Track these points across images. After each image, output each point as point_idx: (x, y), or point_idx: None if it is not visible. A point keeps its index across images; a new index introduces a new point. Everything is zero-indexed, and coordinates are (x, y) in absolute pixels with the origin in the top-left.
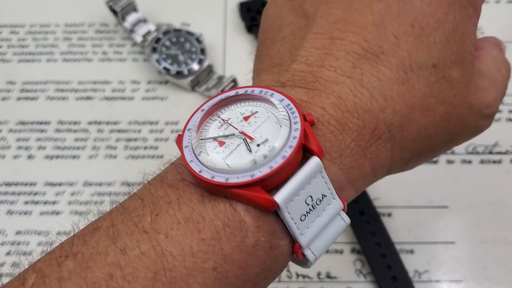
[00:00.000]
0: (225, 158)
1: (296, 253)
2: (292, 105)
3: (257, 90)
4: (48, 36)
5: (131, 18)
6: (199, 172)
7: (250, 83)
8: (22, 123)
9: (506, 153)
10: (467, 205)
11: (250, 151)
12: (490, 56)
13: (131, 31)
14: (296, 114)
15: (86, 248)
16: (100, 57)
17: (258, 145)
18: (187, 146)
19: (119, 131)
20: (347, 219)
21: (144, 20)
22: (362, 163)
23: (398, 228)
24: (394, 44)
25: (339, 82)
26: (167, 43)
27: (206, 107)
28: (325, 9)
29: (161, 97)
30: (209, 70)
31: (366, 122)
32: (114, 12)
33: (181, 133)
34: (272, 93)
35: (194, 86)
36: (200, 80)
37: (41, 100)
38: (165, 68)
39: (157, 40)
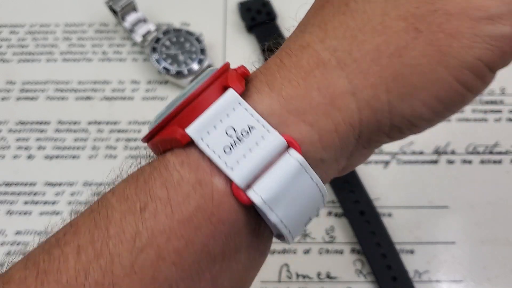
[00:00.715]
0: None
1: (236, 194)
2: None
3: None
4: (48, 36)
5: (131, 18)
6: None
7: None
8: (22, 123)
9: (506, 153)
10: (467, 205)
11: None
12: None
13: (131, 31)
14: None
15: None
16: (100, 57)
17: None
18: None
19: (119, 131)
20: (300, 158)
21: (144, 20)
22: (306, 92)
23: (398, 228)
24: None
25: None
26: (167, 43)
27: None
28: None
29: (161, 97)
30: None
31: (304, 55)
32: (114, 12)
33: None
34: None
35: None
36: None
37: (41, 100)
38: (165, 68)
39: (157, 40)
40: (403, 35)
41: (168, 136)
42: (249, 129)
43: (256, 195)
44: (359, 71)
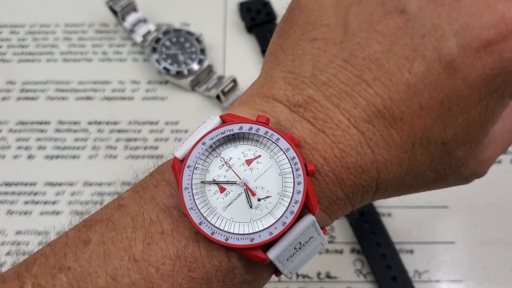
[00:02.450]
0: (225, 208)
1: (276, 276)
2: (297, 160)
3: (262, 131)
4: (48, 36)
5: (131, 18)
6: (199, 224)
7: (249, 82)
8: (22, 123)
9: (506, 153)
10: (467, 205)
11: (251, 206)
12: (504, 128)
13: (131, 31)
14: (300, 172)
15: (78, 265)
16: (100, 57)
17: (259, 200)
18: (186, 188)
19: (119, 131)
20: (325, 242)
21: (144, 20)
22: (345, 207)
23: (398, 228)
24: (415, 114)
25: (347, 134)
26: (167, 43)
27: (207, 140)
28: (367, 35)
29: (161, 97)
30: (209, 70)
31: (361, 180)
32: (114, 12)
33: (175, 152)
34: (278, 138)
35: (194, 86)
36: (200, 80)
37: (41, 100)
38: (165, 68)
39: (157, 40)
40: (424, 183)
41: (249, 257)
42: (309, 239)
43: (289, 273)
44: (382, 195)
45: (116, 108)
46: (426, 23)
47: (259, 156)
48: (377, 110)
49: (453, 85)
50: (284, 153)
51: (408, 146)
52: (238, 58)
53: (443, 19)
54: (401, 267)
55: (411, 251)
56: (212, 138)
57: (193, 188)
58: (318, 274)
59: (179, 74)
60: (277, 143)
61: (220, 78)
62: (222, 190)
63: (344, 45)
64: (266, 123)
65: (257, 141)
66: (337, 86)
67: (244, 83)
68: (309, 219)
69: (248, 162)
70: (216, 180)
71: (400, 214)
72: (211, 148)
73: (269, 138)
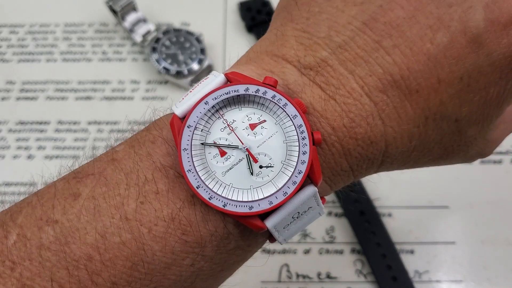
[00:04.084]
0: (225, 173)
1: (270, 242)
2: (304, 128)
3: (269, 94)
4: (47, 36)
5: (131, 18)
6: (196, 188)
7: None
8: (22, 123)
9: (506, 153)
10: (467, 205)
11: (252, 173)
12: None
13: (131, 31)
14: (307, 141)
15: (66, 219)
16: (100, 57)
17: (260, 167)
18: (185, 149)
19: (119, 131)
20: (323, 212)
21: (143, 20)
22: (348, 178)
23: (398, 228)
24: (433, 88)
25: (359, 103)
26: (167, 42)
27: (210, 100)
28: None
29: (161, 97)
30: (209, 70)
31: (367, 153)
32: (114, 12)
33: (175, 108)
34: (286, 104)
35: None
36: (200, 80)
37: (41, 100)
38: (165, 68)
39: (157, 40)
40: (430, 159)
41: (246, 224)
42: (308, 209)
43: (284, 240)
44: (387, 168)
45: (115, 108)
46: None
47: (264, 121)
48: (393, 79)
49: (476, 61)
50: (291, 119)
51: (421, 120)
52: (238, 58)
53: None
54: (401, 267)
55: (412, 251)
56: (215, 98)
57: (192, 149)
58: (319, 274)
59: (179, 74)
60: (284, 108)
61: None
62: (222, 154)
63: (365, 6)
64: (274, 86)
65: (263, 104)
66: (353, 50)
67: None
68: (310, 190)
69: (252, 126)
70: (217, 143)
71: (401, 214)
72: (214, 108)
73: (276, 102)
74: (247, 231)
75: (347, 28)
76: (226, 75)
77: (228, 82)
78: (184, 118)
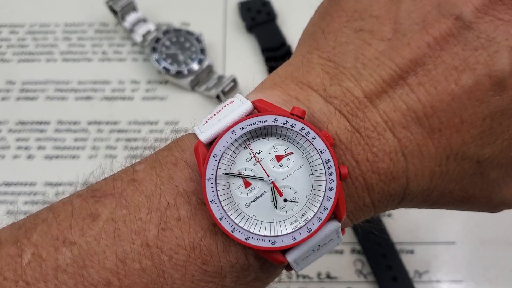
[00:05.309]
0: (248, 205)
1: (287, 271)
2: (332, 163)
3: (298, 127)
4: (47, 36)
5: (131, 17)
6: (219, 219)
7: (249, 81)
8: (22, 123)
9: None
10: None
11: (276, 206)
12: None
13: (131, 30)
14: (334, 177)
15: (84, 241)
16: (100, 57)
17: (285, 200)
18: (210, 178)
19: (119, 131)
20: (341, 241)
21: (144, 20)
22: (369, 213)
23: (398, 228)
24: (455, 128)
25: (383, 138)
26: (167, 42)
27: (238, 130)
28: (418, 36)
29: (161, 97)
30: (209, 70)
31: (389, 188)
32: (114, 11)
33: (199, 133)
34: (314, 137)
35: (194, 86)
36: (200, 80)
37: (41, 100)
38: (165, 68)
39: (157, 39)
40: (450, 202)
41: (267, 258)
42: (328, 241)
43: (300, 270)
44: (406, 205)
45: (115, 108)
46: (481, 35)
47: (291, 153)
48: (416, 117)
49: (500, 104)
50: (319, 154)
51: (442, 159)
52: (238, 58)
53: (499, 34)
54: (401, 267)
55: (412, 251)
56: (243, 128)
57: (217, 179)
58: (319, 274)
59: (179, 74)
60: (312, 142)
61: (220, 78)
62: (247, 185)
63: (393, 43)
64: (302, 117)
65: (290, 136)
66: (379, 84)
67: (244, 83)
68: (334, 225)
69: (278, 158)
70: (242, 173)
71: (401, 214)
72: (241, 139)
73: (304, 135)
74: (267, 264)
75: (373, 62)
76: (253, 103)
77: (255, 110)
78: (208, 143)
